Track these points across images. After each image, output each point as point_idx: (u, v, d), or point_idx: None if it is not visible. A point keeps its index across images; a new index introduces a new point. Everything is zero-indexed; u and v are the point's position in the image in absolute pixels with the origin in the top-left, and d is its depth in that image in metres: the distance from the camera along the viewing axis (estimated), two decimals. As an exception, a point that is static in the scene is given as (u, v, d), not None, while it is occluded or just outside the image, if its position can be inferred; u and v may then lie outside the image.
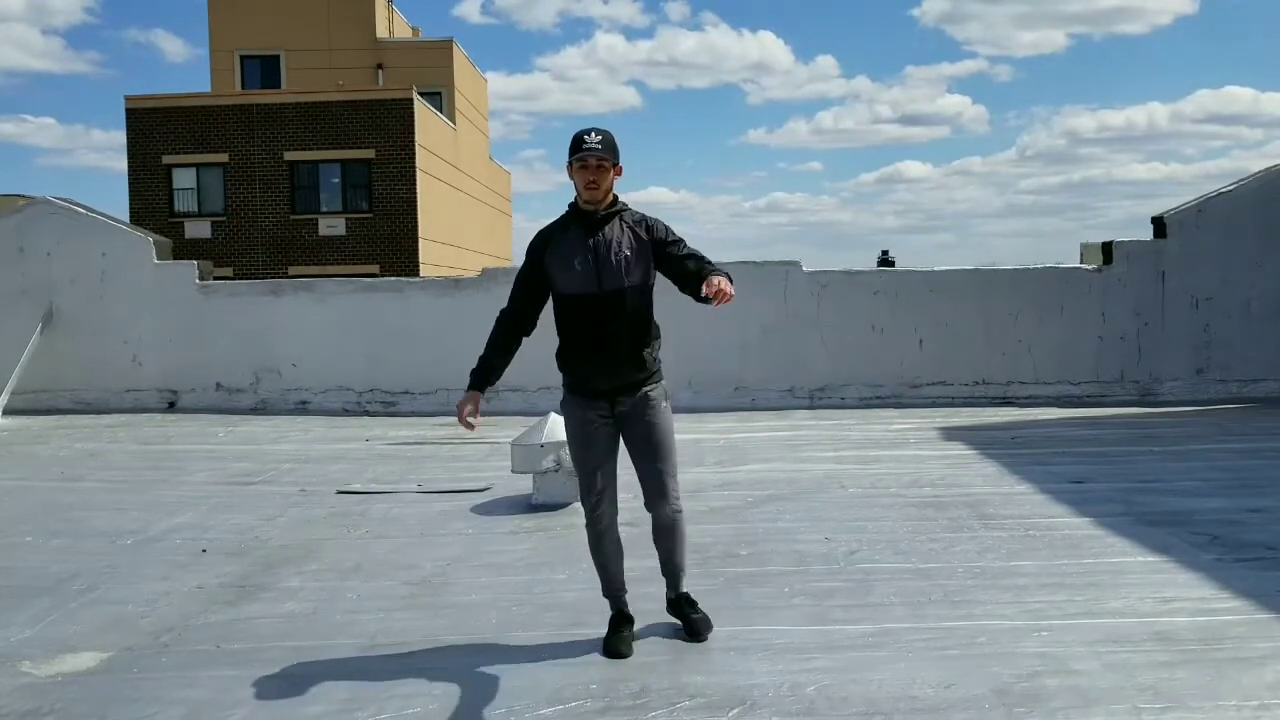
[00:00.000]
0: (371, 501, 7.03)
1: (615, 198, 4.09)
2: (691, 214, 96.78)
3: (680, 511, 4.20)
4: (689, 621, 4.29)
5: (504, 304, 4.19)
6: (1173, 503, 6.46)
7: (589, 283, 3.97)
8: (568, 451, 6.51)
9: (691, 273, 3.99)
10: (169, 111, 31.10)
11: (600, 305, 3.98)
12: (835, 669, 3.92)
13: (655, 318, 4.15)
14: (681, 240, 4.12)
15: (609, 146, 3.98)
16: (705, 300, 3.85)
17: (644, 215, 4.13)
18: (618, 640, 4.13)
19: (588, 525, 4.20)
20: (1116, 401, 11.12)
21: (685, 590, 4.37)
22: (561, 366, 4.14)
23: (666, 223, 4.12)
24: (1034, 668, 3.90)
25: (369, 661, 4.12)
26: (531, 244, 4.13)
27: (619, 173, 4.05)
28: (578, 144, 3.96)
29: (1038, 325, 11.35)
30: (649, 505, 4.19)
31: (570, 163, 3.98)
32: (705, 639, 4.23)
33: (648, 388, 4.11)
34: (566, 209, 4.12)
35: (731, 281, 3.86)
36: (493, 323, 4.21)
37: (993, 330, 11.35)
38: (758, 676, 3.87)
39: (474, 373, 4.15)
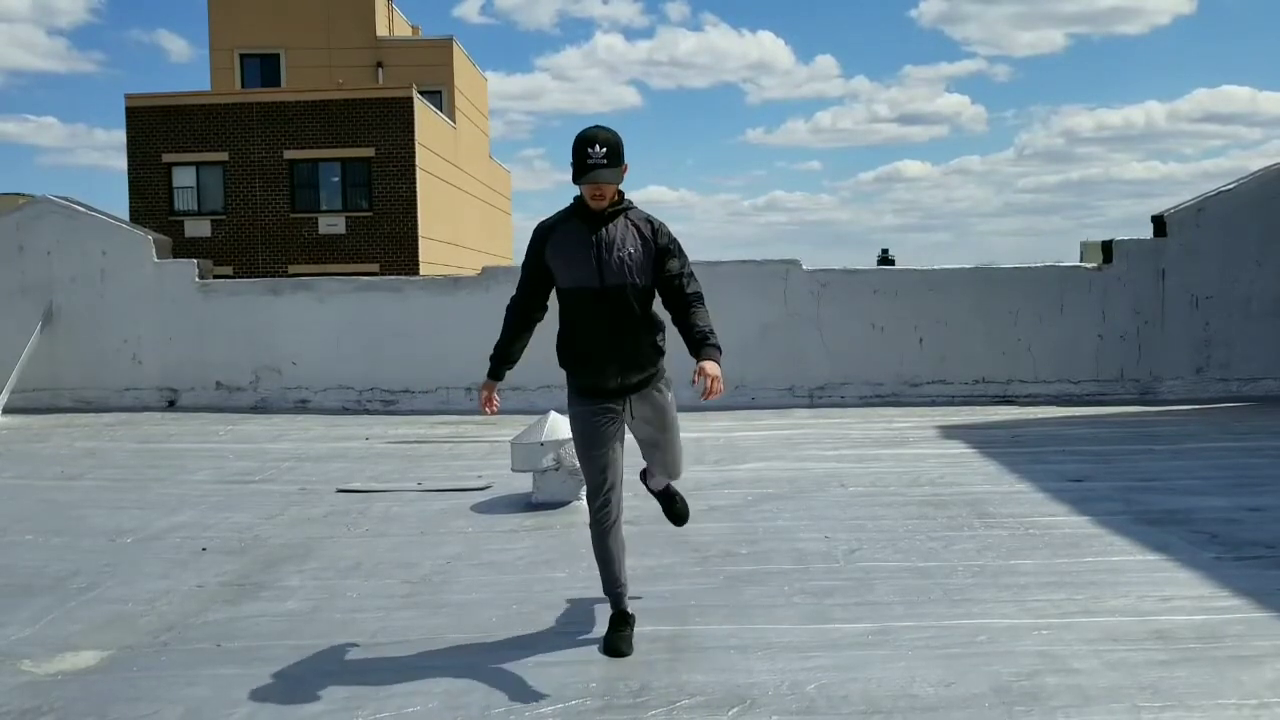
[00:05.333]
0: (371, 500, 7.03)
1: (621, 194, 4.06)
2: (691, 212, 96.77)
3: (674, 493, 4.66)
4: (669, 511, 4.71)
5: (504, 301, 4.21)
6: (1172, 501, 6.47)
7: (590, 278, 3.96)
8: (567, 450, 6.56)
9: (681, 311, 4.05)
10: (169, 110, 31.09)
11: (601, 301, 3.96)
12: (835, 667, 3.92)
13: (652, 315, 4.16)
14: (683, 261, 4.09)
15: (614, 154, 3.90)
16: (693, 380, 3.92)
17: (649, 215, 4.11)
18: (618, 639, 4.13)
19: (592, 522, 4.19)
20: (1116, 400, 11.12)
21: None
22: (563, 363, 4.12)
23: (671, 230, 4.10)
24: (1034, 666, 3.90)
25: (369, 660, 4.12)
26: (534, 234, 4.12)
27: (625, 169, 4.00)
28: (582, 157, 3.88)
29: (1037, 324, 11.34)
30: (653, 477, 4.51)
31: (574, 179, 3.93)
32: (685, 519, 4.72)
33: (653, 382, 4.13)
34: (572, 201, 4.08)
35: (720, 351, 3.95)
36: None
37: (992, 329, 11.34)
38: (757, 675, 3.87)
39: (492, 360, 4.23)
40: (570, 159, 3.94)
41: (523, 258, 4.17)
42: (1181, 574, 5.01)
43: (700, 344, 3.98)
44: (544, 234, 4.08)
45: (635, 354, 4.03)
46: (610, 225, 4.00)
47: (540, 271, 4.08)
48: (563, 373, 4.18)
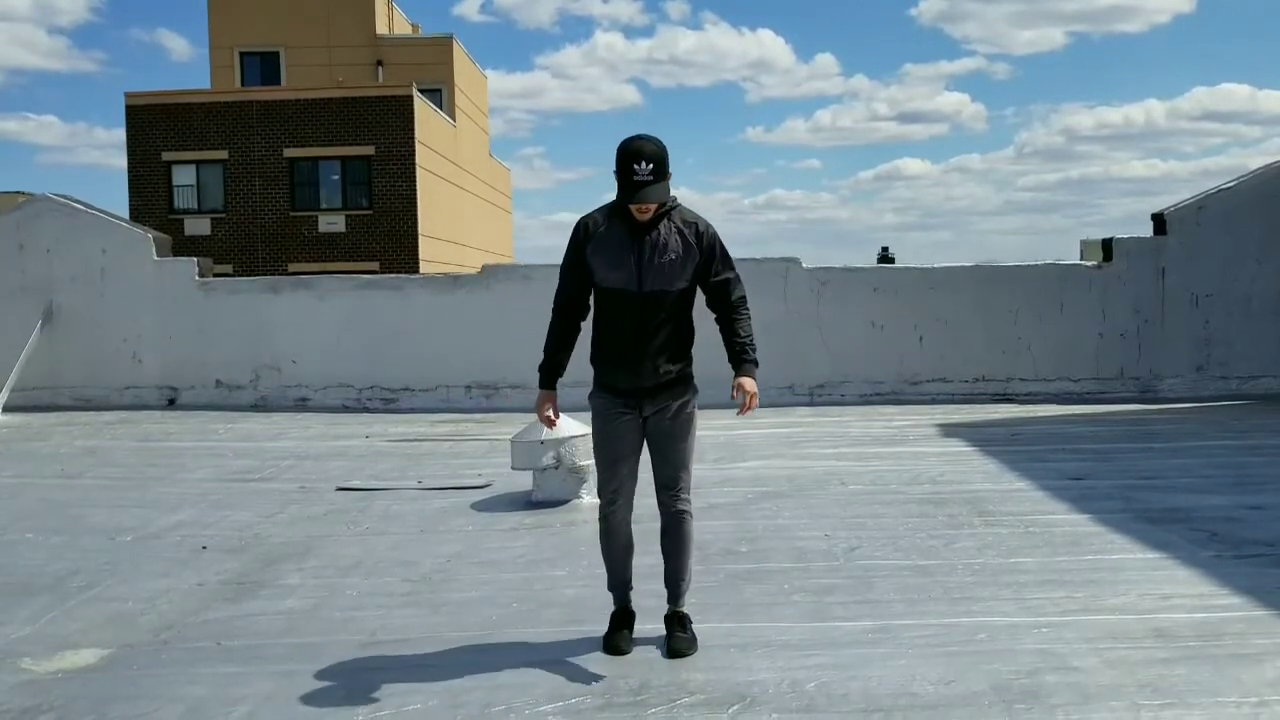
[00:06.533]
0: (371, 498, 7.04)
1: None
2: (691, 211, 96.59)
3: (687, 513, 4.13)
4: (670, 638, 4.11)
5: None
6: (1172, 500, 6.47)
7: (630, 281, 3.91)
8: (567, 448, 6.56)
9: (725, 318, 4.08)
10: (169, 108, 31.06)
11: (638, 305, 3.92)
12: (835, 666, 3.92)
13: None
14: (729, 264, 4.07)
15: (660, 168, 3.84)
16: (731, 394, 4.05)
17: (696, 218, 4.04)
18: (618, 637, 4.12)
19: (600, 517, 4.16)
20: (1116, 398, 11.12)
21: (684, 609, 4.19)
22: (593, 360, 4.08)
23: (717, 233, 4.04)
24: (1034, 664, 3.90)
25: (369, 658, 4.12)
26: (575, 231, 4.05)
27: (669, 178, 3.92)
28: (628, 174, 3.82)
29: (1038, 322, 11.35)
30: (659, 500, 4.14)
31: (620, 196, 3.87)
32: (682, 658, 4.02)
33: (680, 397, 4.05)
34: (616, 198, 3.98)
35: (757, 364, 4.07)
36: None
37: (992, 327, 11.35)
38: (757, 673, 3.87)
39: (543, 371, 4.12)
40: (615, 169, 3.87)
41: (564, 254, 4.09)
42: (1181, 572, 5.01)
43: (739, 357, 4.07)
44: (586, 233, 4.01)
45: (656, 358, 3.96)
46: (654, 229, 3.94)
47: (582, 268, 4.02)
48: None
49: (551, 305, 4.16)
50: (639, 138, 3.90)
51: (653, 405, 4.02)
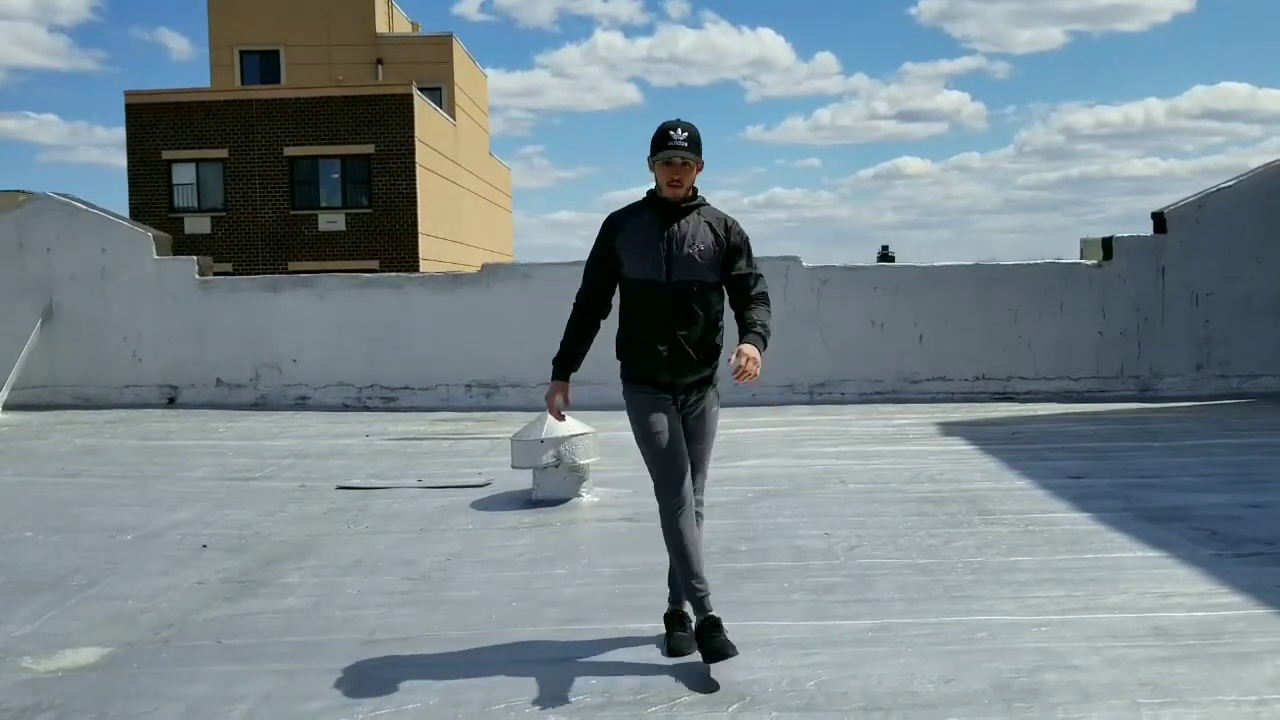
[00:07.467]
0: (371, 497, 7.04)
1: (695, 191, 4.01)
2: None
3: (700, 514, 4.14)
4: (670, 637, 4.11)
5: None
6: (1172, 498, 6.47)
7: (657, 271, 3.91)
8: (568, 447, 6.56)
9: (743, 308, 4.02)
10: (168, 107, 31.07)
11: (666, 296, 3.92)
12: (835, 664, 3.92)
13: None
14: (752, 263, 4.06)
15: (694, 144, 3.90)
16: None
17: (725, 214, 4.07)
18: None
19: (662, 510, 3.93)
20: (1116, 397, 11.12)
21: (685, 609, 4.11)
22: (620, 355, 4.06)
23: (745, 232, 4.06)
24: (1033, 663, 3.90)
25: (369, 657, 4.12)
26: (604, 225, 4.08)
27: (700, 168, 3.97)
28: (663, 140, 3.88)
29: (1038, 320, 11.35)
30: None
31: (652, 160, 3.92)
32: (681, 656, 3.98)
33: (705, 392, 4.05)
34: (645, 195, 4.05)
35: (765, 344, 3.90)
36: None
37: (992, 325, 11.35)
38: (757, 672, 3.87)
39: (557, 362, 4.12)
40: (650, 150, 3.92)
41: (590, 250, 4.11)
42: (1181, 571, 5.01)
43: (745, 330, 3.95)
44: (615, 224, 4.04)
45: (692, 352, 3.94)
46: (683, 220, 3.96)
47: (608, 261, 4.02)
48: None
49: (573, 302, 4.15)
50: (676, 119, 3.96)
51: (683, 399, 4.03)
